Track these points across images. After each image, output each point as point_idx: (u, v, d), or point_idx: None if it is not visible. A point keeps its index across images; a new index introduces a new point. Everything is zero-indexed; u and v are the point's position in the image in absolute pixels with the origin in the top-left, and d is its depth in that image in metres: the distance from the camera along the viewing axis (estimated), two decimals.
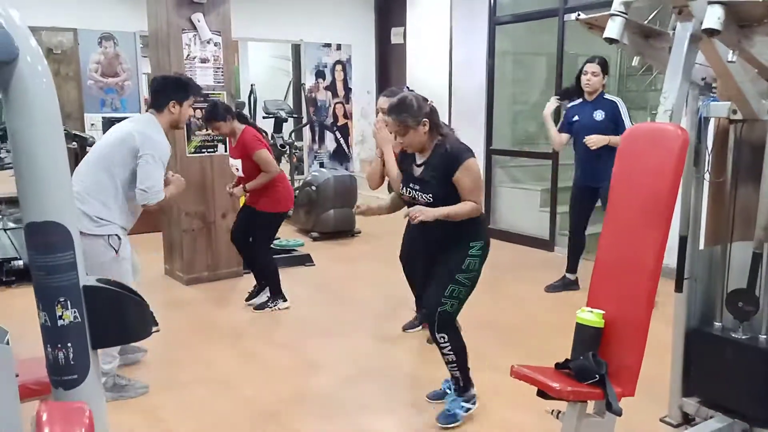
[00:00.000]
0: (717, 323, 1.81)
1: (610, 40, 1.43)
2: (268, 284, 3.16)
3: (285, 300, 3.16)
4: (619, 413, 1.33)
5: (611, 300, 1.42)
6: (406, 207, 2.01)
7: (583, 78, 3.13)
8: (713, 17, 1.25)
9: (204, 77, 3.55)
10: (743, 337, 1.71)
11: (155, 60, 3.62)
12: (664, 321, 1.91)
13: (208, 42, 3.51)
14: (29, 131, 0.88)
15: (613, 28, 1.43)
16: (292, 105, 6.39)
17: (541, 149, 4.67)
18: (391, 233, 4.74)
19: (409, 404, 2.17)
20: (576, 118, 3.21)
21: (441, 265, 1.94)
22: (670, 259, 1.59)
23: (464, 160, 1.85)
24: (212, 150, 3.63)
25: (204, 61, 3.55)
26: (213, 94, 3.59)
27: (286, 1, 5.77)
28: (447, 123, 2.09)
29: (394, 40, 6.11)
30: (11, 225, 4.12)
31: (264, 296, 3.16)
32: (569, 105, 3.29)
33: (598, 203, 3.24)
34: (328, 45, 6.12)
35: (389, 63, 6.29)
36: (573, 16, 1.57)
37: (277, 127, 5.33)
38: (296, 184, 5.00)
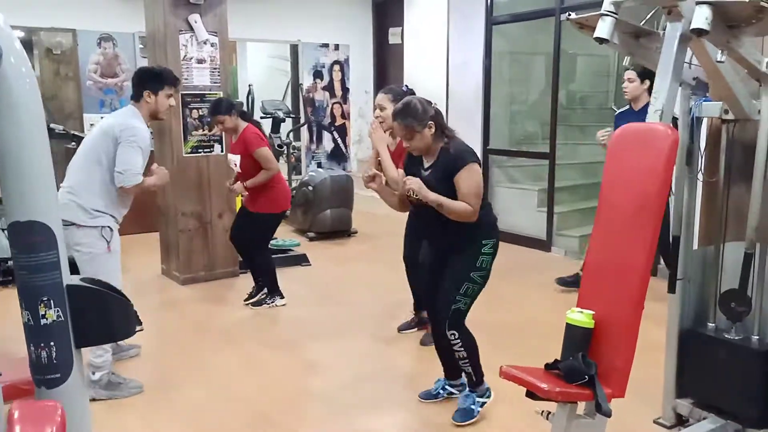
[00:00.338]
0: (710, 324, 1.81)
1: (600, 40, 1.43)
2: (266, 282, 3.18)
3: (282, 297, 3.19)
4: (608, 414, 1.33)
5: (601, 300, 1.42)
6: (412, 208, 2.01)
7: (624, 86, 3.04)
8: (701, 17, 1.25)
9: (200, 78, 3.56)
10: (736, 338, 1.71)
11: (153, 61, 3.62)
12: (658, 321, 1.91)
13: (205, 43, 3.51)
14: (13, 132, 0.88)
15: (603, 28, 1.42)
16: (290, 105, 6.40)
17: (538, 149, 4.67)
18: (388, 233, 4.75)
19: (405, 405, 2.16)
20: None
21: (454, 264, 1.93)
22: None
23: (467, 163, 1.85)
24: (209, 150, 3.64)
25: (200, 61, 3.55)
26: (209, 94, 3.59)
27: (283, 2, 5.77)
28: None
29: (392, 40, 6.11)
30: None
31: (262, 294, 3.19)
32: (618, 112, 3.18)
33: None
34: (326, 45, 6.12)
35: (387, 63, 6.29)
36: (571, 15, 1.57)
37: (275, 128, 5.34)
38: (294, 184, 5.01)
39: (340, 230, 4.69)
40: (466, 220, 1.86)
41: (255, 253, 3.17)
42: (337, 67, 6.19)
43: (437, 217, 1.88)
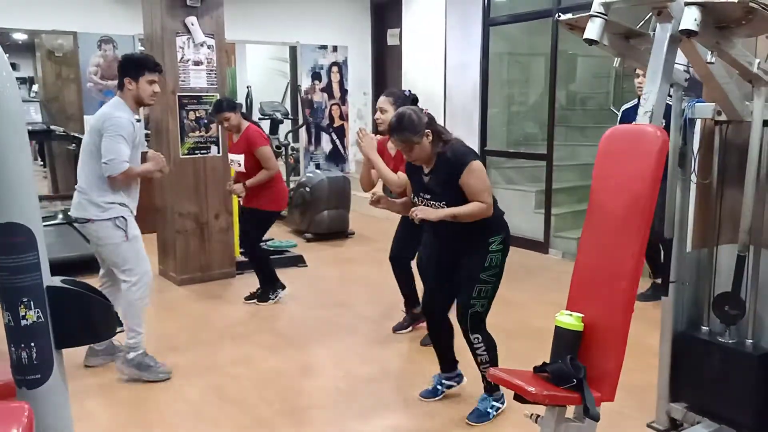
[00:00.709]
0: (704, 327, 1.79)
1: (590, 41, 1.42)
2: (264, 277, 3.21)
3: (283, 287, 3.25)
4: (596, 418, 1.32)
5: (591, 303, 1.41)
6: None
7: (636, 81, 3.02)
8: (690, 18, 1.24)
9: (197, 80, 3.57)
10: (730, 342, 1.69)
11: None
12: (653, 324, 1.89)
13: (202, 45, 3.52)
14: None
15: (593, 29, 1.41)
16: (289, 107, 6.41)
17: (536, 150, 4.65)
18: (385, 235, 4.73)
19: (403, 405, 2.15)
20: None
21: (464, 267, 1.93)
22: None
23: (468, 163, 1.84)
24: (205, 152, 3.64)
25: (197, 63, 3.56)
26: (206, 96, 3.60)
27: (282, 4, 5.78)
28: (442, 125, 2.07)
29: (390, 41, 6.11)
30: None
31: (270, 294, 3.23)
32: (624, 107, 3.15)
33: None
34: (324, 47, 6.13)
35: (385, 64, 6.29)
36: (561, 17, 1.56)
37: (273, 129, 5.35)
38: (292, 185, 5.01)
39: (338, 231, 4.69)
40: (485, 216, 1.86)
41: (247, 249, 3.21)
42: (335, 69, 6.19)
43: (447, 224, 1.87)
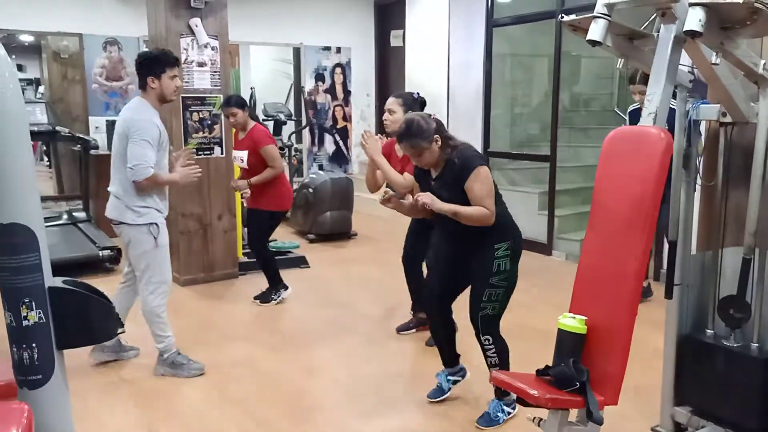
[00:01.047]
0: (709, 330, 1.78)
1: (593, 43, 1.41)
2: (267, 276, 3.23)
3: (286, 288, 3.26)
4: (599, 422, 1.31)
5: (594, 305, 1.40)
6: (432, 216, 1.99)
7: (635, 98, 2.99)
8: (694, 19, 1.23)
9: (201, 81, 3.58)
10: (735, 345, 1.68)
11: None
12: (658, 327, 1.87)
13: (206, 46, 3.54)
14: None
15: (596, 31, 1.41)
16: (292, 108, 6.42)
17: (539, 152, 4.64)
18: (388, 236, 4.74)
19: (407, 406, 2.14)
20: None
21: (473, 272, 1.93)
22: None
23: (474, 168, 1.83)
24: (209, 152, 3.66)
25: (201, 65, 3.57)
26: (210, 97, 3.61)
27: (286, 5, 5.80)
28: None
29: (394, 42, 6.11)
30: None
31: (273, 294, 3.24)
32: (630, 109, 3.13)
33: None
34: (328, 48, 6.14)
35: (388, 66, 6.29)
36: (564, 18, 1.55)
37: (277, 130, 5.36)
38: (295, 186, 5.02)
39: (340, 232, 4.68)
40: (485, 224, 1.85)
41: (253, 248, 3.22)
42: (338, 70, 6.20)
43: (455, 223, 1.87)
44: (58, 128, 4.51)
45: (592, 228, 1.44)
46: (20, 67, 7.95)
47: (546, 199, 4.32)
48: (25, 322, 0.91)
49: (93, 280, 3.68)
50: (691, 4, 1.24)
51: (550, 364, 1.40)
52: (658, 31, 1.44)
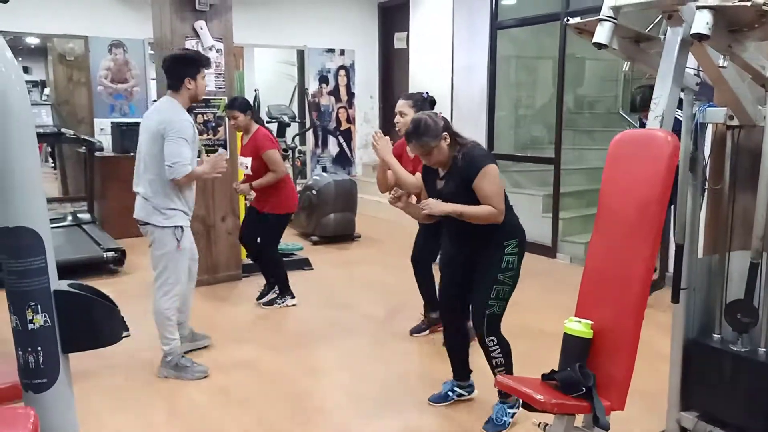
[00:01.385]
0: (716, 335, 1.76)
1: (599, 45, 1.41)
2: (277, 282, 3.24)
3: (293, 297, 3.25)
4: (606, 428, 1.30)
5: (600, 309, 1.39)
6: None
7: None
8: (702, 22, 1.22)
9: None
10: (742, 350, 1.66)
11: (160, 66, 3.67)
12: (665, 331, 1.86)
13: (210, 49, 3.55)
14: (3, 139, 0.89)
15: (602, 33, 1.40)
16: (296, 110, 6.43)
17: (544, 154, 4.63)
18: (391, 238, 4.73)
19: (410, 408, 2.14)
20: None
21: (481, 269, 1.93)
22: None
23: (482, 167, 1.82)
24: (213, 154, 3.67)
25: None
26: (214, 99, 3.62)
27: (290, 8, 5.82)
28: None
29: (397, 45, 6.12)
30: None
31: (273, 294, 3.25)
32: (641, 118, 3.10)
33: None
34: (332, 50, 6.15)
35: (392, 68, 6.30)
36: (570, 21, 1.55)
37: (281, 132, 5.38)
38: (299, 188, 5.03)
39: (344, 234, 4.69)
40: (494, 222, 1.84)
41: (265, 254, 3.23)
42: (342, 72, 6.21)
43: (462, 225, 1.87)
44: (63, 130, 4.54)
45: (598, 231, 1.43)
46: (26, 69, 8.00)
47: (550, 201, 4.30)
48: (30, 326, 0.91)
49: (97, 281, 3.70)
50: (699, 7, 1.23)
51: (556, 369, 1.39)
52: (665, 34, 1.43)
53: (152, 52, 5.19)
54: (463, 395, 2.13)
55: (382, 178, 2.55)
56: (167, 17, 3.47)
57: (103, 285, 3.57)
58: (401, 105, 2.53)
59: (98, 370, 2.44)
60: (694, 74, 1.63)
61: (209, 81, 3.58)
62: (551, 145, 4.36)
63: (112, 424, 2.06)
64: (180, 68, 2.31)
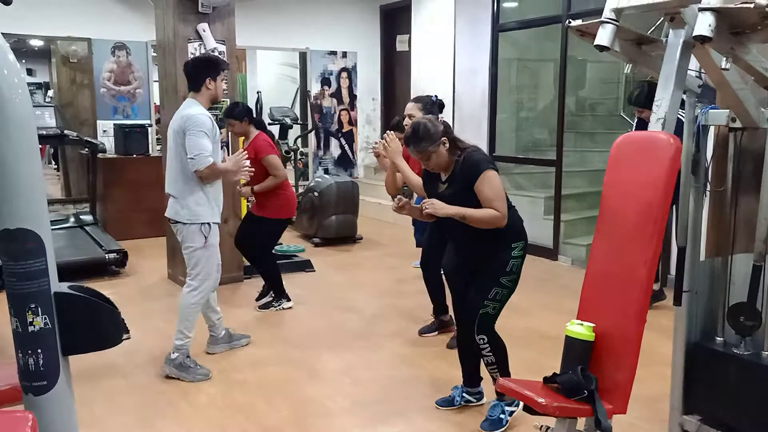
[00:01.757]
0: (718, 338, 1.75)
1: (601, 48, 1.41)
2: (272, 287, 3.25)
3: (288, 300, 3.26)
4: (608, 431, 1.29)
5: (602, 312, 1.38)
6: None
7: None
8: (704, 24, 1.22)
9: None
10: (745, 353, 1.65)
11: (162, 68, 3.69)
12: (664, 333, 1.85)
13: (213, 51, 3.56)
14: (4, 142, 0.89)
15: (604, 36, 1.40)
16: (298, 112, 6.45)
17: (545, 156, 4.62)
18: (393, 240, 4.72)
19: (412, 412, 2.13)
20: None
21: (484, 269, 1.92)
22: None
23: (483, 171, 1.83)
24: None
25: None
26: (216, 101, 3.63)
27: (292, 10, 5.84)
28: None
29: (399, 47, 6.14)
30: None
31: (269, 297, 3.26)
32: (637, 119, 3.11)
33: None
34: (334, 53, 6.17)
35: (394, 70, 6.31)
36: (571, 23, 1.55)
37: (282, 134, 5.38)
38: (300, 190, 5.03)
39: (346, 236, 4.68)
40: (497, 226, 1.84)
41: (259, 257, 3.24)
42: (344, 75, 6.23)
43: (464, 226, 1.87)
44: (66, 132, 4.55)
45: (600, 234, 1.43)
46: (30, 71, 8.04)
47: (552, 203, 4.30)
48: (30, 328, 0.90)
49: (99, 283, 3.70)
50: (701, 9, 1.23)
51: (558, 371, 1.38)
52: (667, 36, 1.43)
53: (155, 54, 5.22)
54: (471, 401, 2.12)
55: (391, 181, 2.56)
56: (170, 20, 3.49)
57: (105, 286, 3.58)
58: (410, 108, 2.55)
59: (99, 372, 2.44)
60: (697, 76, 1.62)
61: None
62: (553, 147, 4.36)
63: (113, 426, 2.05)
64: (201, 70, 2.39)
